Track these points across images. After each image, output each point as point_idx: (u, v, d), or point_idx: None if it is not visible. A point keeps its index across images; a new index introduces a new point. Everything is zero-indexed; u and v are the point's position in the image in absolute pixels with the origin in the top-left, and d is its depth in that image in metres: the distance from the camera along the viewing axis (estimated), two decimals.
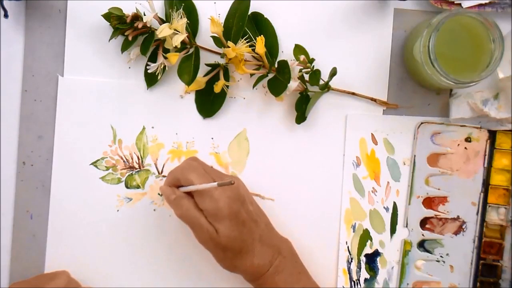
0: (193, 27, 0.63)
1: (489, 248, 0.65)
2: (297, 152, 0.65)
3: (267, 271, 0.58)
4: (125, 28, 0.60)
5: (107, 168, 0.64)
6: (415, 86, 0.65)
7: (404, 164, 0.66)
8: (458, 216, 0.65)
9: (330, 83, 0.63)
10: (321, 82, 0.63)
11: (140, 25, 0.59)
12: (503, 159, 0.65)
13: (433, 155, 0.65)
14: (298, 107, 0.64)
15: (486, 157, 0.65)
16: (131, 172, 0.65)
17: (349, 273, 0.66)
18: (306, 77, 0.62)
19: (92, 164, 0.64)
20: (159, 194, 0.65)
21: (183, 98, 0.64)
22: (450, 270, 0.66)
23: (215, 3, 0.63)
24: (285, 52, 0.64)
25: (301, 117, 0.64)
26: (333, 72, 0.62)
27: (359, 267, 0.66)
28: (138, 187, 0.65)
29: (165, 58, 0.60)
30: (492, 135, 0.65)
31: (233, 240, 0.56)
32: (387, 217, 0.66)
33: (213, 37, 0.61)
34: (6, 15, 0.61)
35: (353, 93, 0.64)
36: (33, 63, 0.63)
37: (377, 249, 0.66)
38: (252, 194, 0.64)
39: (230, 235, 0.56)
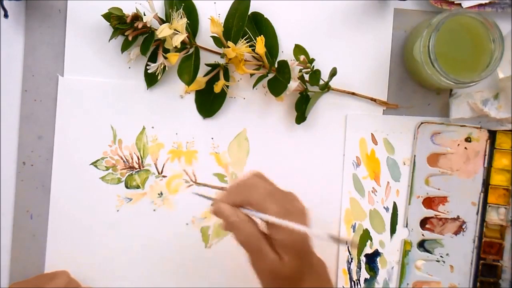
0: (193, 27, 0.63)
1: (489, 248, 0.65)
2: (297, 152, 0.65)
3: None
4: (125, 28, 0.60)
5: (107, 168, 0.64)
6: (415, 86, 0.65)
7: (404, 164, 0.66)
8: (458, 216, 0.65)
9: (330, 83, 0.63)
10: (321, 82, 0.63)
11: (140, 25, 0.59)
12: (503, 159, 0.65)
13: (433, 155, 0.65)
14: (298, 107, 0.64)
15: (486, 157, 0.65)
16: (131, 172, 0.65)
17: (349, 273, 0.66)
18: (306, 77, 0.62)
19: (92, 164, 0.64)
20: (158, 194, 0.65)
21: (183, 98, 0.64)
22: (450, 270, 0.66)
23: (215, 3, 0.63)
24: (285, 52, 0.64)
25: (301, 117, 0.64)
26: (333, 72, 0.62)
27: (359, 267, 0.66)
28: (138, 187, 0.65)
29: (165, 58, 0.60)
30: (492, 135, 0.65)
31: (296, 270, 0.51)
32: (387, 217, 0.66)
33: (213, 37, 0.61)
34: (6, 15, 0.61)
35: (353, 93, 0.64)
36: (33, 63, 0.63)
37: (377, 249, 0.66)
38: None
39: (295, 265, 0.51)
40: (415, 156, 0.65)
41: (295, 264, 0.51)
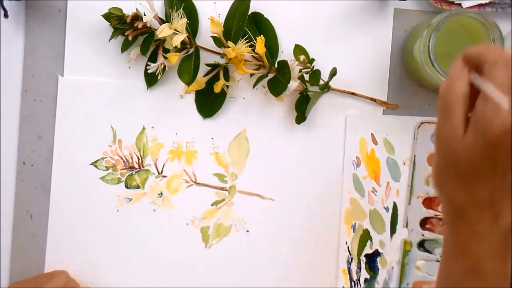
0: (193, 27, 0.63)
1: None
2: (297, 152, 0.65)
3: (480, 222, 0.43)
4: (125, 28, 0.60)
5: (107, 168, 0.64)
6: (415, 86, 0.65)
7: (404, 164, 0.66)
8: None
9: (330, 83, 0.63)
10: (321, 82, 0.63)
11: (140, 25, 0.59)
12: None
13: (433, 155, 0.65)
14: (298, 107, 0.64)
15: None
16: (131, 172, 0.65)
17: (349, 273, 0.66)
18: (306, 77, 0.62)
19: (92, 164, 0.64)
20: (158, 194, 0.65)
21: (183, 98, 0.64)
22: None
23: (215, 3, 0.63)
24: (285, 52, 0.64)
25: (301, 117, 0.64)
26: (333, 72, 0.62)
27: (359, 267, 0.66)
28: (138, 187, 0.65)
29: (165, 58, 0.60)
30: None
31: (473, 158, 0.41)
32: (387, 217, 0.66)
33: (213, 37, 0.61)
34: (6, 15, 0.60)
35: (353, 93, 0.64)
36: (33, 63, 0.63)
37: (377, 249, 0.66)
38: (252, 194, 0.64)
39: (474, 151, 0.41)
40: (415, 156, 0.65)
41: (474, 149, 0.41)
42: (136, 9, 0.61)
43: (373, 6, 0.64)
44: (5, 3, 0.60)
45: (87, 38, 0.63)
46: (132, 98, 0.64)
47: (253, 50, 0.61)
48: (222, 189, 0.65)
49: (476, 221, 0.43)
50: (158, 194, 0.65)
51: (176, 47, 0.59)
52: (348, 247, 0.66)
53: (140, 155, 0.65)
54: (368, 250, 0.66)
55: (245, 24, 0.61)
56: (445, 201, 0.45)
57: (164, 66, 0.61)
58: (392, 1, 0.64)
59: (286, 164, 0.65)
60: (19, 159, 0.64)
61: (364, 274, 0.66)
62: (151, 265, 0.65)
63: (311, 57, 0.62)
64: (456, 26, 0.58)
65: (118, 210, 0.65)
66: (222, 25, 0.61)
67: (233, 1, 0.62)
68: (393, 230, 0.66)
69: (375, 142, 0.66)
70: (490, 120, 0.40)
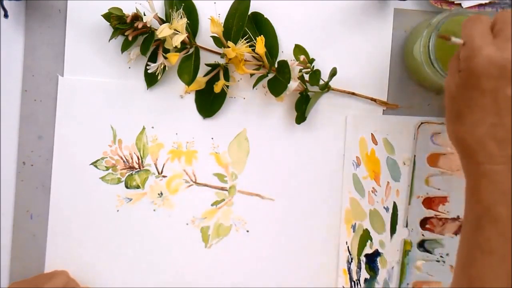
0: (193, 27, 0.63)
1: None
2: (297, 152, 0.65)
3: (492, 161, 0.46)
4: (125, 28, 0.60)
5: (107, 168, 0.64)
6: (415, 86, 0.65)
7: (404, 164, 0.66)
8: (458, 216, 0.65)
9: (330, 83, 0.63)
10: (321, 82, 0.63)
11: (140, 25, 0.59)
12: None
13: (433, 155, 0.65)
14: (298, 107, 0.64)
15: None
16: (131, 172, 0.65)
17: (349, 273, 0.66)
18: (306, 77, 0.62)
19: (92, 164, 0.64)
20: (158, 194, 0.65)
21: (183, 98, 0.64)
22: (450, 270, 0.66)
23: (215, 3, 0.63)
24: (285, 52, 0.64)
25: (301, 117, 0.64)
26: (333, 72, 0.62)
27: (359, 267, 0.66)
28: (138, 187, 0.65)
29: (165, 58, 0.60)
30: None
31: (464, 89, 0.47)
32: (387, 217, 0.66)
33: (213, 37, 0.61)
34: (6, 15, 0.61)
35: (353, 93, 0.64)
36: (33, 63, 0.63)
37: (377, 249, 0.66)
38: (252, 194, 0.64)
39: (464, 83, 0.47)
40: (415, 156, 0.65)
41: (463, 82, 0.47)
42: (136, 9, 0.61)
43: (373, 6, 0.64)
44: (5, 3, 0.60)
45: (87, 38, 0.63)
46: (132, 98, 0.64)
47: (253, 50, 0.61)
48: (222, 189, 0.65)
49: (487, 161, 0.45)
50: (158, 194, 0.65)
51: (176, 47, 0.59)
52: (348, 247, 0.66)
53: (140, 155, 0.65)
54: (368, 250, 0.66)
55: (245, 24, 0.60)
56: (455, 142, 0.49)
57: (164, 66, 0.61)
58: (392, 1, 0.64)
59: (286, 164, 0.65)
60: (19, 159, 0.64)
61: (364, 274, 0.66)
62: (151, 265, 0.65)
63: (311, 57, 0.62)
64: (456, 26, 0.58)
65: (118, 210, 0.65)
66: (222, 25, 0.61)
67: (233, 1, 0.62)
68: (393, 230, 0.66)
69: (375, 142, 0.66)
70: (469, 56, 0.46)
